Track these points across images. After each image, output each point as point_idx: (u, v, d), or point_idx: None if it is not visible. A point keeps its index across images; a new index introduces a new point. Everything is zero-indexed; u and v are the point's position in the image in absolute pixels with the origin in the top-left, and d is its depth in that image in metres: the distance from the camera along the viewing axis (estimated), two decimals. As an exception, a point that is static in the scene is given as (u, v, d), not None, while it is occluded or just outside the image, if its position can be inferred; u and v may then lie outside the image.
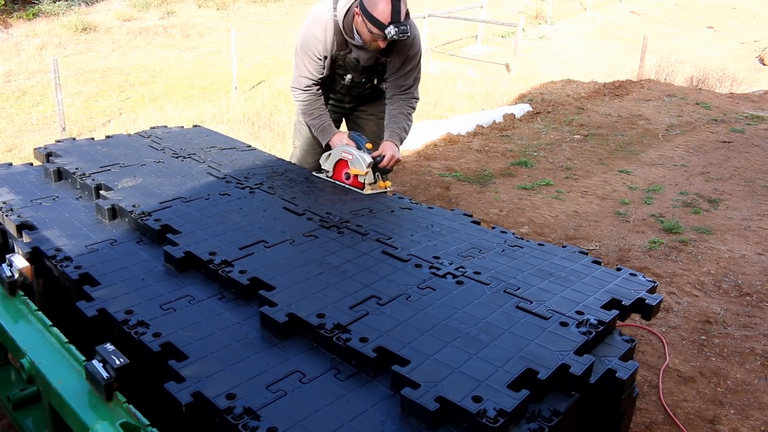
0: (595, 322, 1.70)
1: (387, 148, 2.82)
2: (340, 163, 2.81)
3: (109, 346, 1.50)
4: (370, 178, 2.71)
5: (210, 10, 16.59)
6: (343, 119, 3.41)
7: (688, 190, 5.42)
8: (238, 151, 3.21)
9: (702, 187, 5.54)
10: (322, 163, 2.87)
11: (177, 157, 3.02)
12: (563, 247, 2.27)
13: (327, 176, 2.86)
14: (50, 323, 1.78)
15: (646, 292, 1.94)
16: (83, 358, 1.60)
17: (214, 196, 2.54)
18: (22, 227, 2.26)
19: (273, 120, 8.48)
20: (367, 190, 2.71)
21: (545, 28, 17.84)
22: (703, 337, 3.19)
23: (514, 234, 2.37)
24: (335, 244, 2.16)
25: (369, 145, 2.78)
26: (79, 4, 15.38)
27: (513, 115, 8.12)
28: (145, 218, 2.26)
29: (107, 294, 1.83)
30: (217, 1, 16.93)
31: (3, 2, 14.19)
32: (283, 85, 10.58)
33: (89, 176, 2.67)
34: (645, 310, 1.90)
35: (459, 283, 1.91)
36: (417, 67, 2.97)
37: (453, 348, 1.57)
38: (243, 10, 17.15)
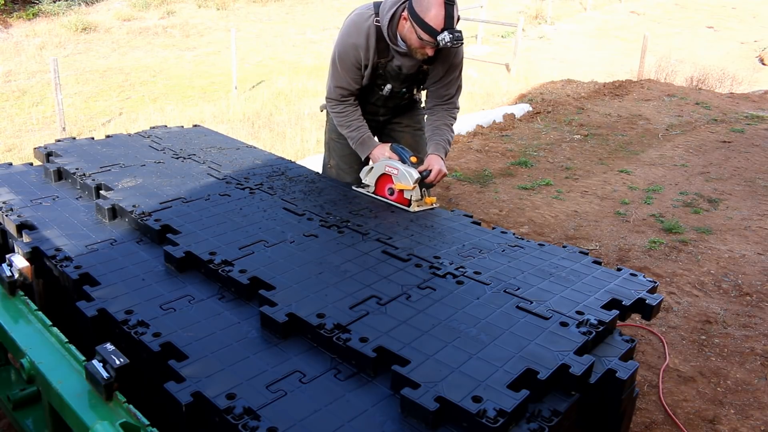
0: (596, 322, 1.70)
1: (433, 162, 2.62)
2: (384, 178, 2.63)
3: (109, 346, 1.50)
4: (417, 194, 2.53)
5: (210, 10, 16.59)
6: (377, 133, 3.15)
7: (688, 190, 5.42)
8: (238, 151, 3.21)
9: (702, 187, 5.55)
10: (362, 177, 2.70)
11: (177, 158, 3.02)
12: (563, 247, 2.27)
13: (368, 191, 2.68)
14: (50, 323, 1.78)
15: (647, 292, 1.94)
16: (83, 358, 1.60)
17: (214, 197, 2.54)
18: (22, 227, 2.26)
19: (273, 120, 8.48)
20: (414, 207, 2.52)
21: (545, 28, 17.85)
22: (703, 337, 3.19)
23: (514, 234, 2.37)
24: (335, 244, 2.16)
25: (414, 159, 2.60)
26: (79, 4, 15.39)
27: (513, 115, 8.12)
28: (145, 218, 2.26)
29: (107, 294, 1.83)
30: (217, 1, 16.93)
31: (3, 2, 14.19)
32: (282, 85, 10.59)
33: (89, 176, 2.67)
34: (645, 310, 1.90)
35: (459, 283, 1.91)
36: (460, 75, 2.81)
37: (453, 348, 1.57)
38: (243, 10, 17.15)
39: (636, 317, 3.14)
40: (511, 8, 19.02)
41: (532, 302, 1.81)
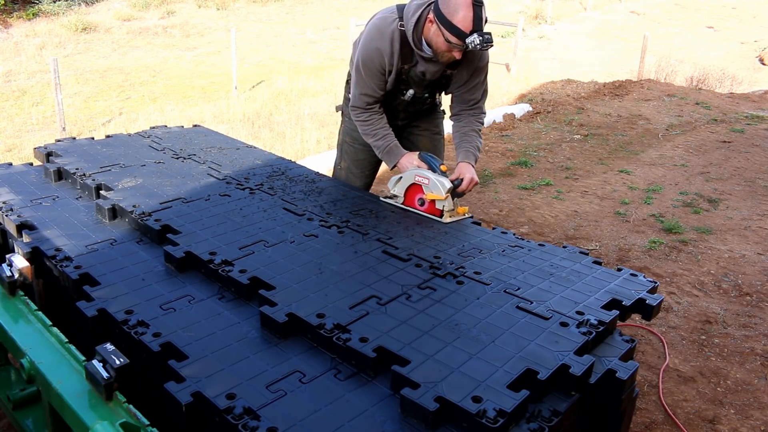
0: (596, 322, 1.70)
1: (465, 171, 2.53)
2: (413, 188, 2.54)
3: (109, 346, 1.50)
4: (449, 205, 2.44)
5: (210, 10, 16.60)
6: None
7: (688, 190, 5.42)
8: (238, 151, 3.21)
9: (702, 187, 5.55)
10: (390, 188, 2.61)
11: (177, 158, 3.02)
12: (563, 247, 2.27)
13: (397, 202, 2.59)
14: (50, 323, 1.78)
15: (647, 292, 1.94)
16: (83, 358, 1.60)
17: (214, 197, 2.54)
18: (22, 227, 2.26)
19: (273, 120, 8.48)
20: (446, 218, 2.43)
21: (545, 28, 17.86)
22: (703, 337, 3.19)
23: (514, 234, 2.37)
24: (335, 244, 2.16)
25: (444, 167, 2.51)
26: (79, 4, 15.39)
27: (513, 115, 8.12)
28: (145, 218, 2.26)
29: (107, 294, 1.83)
30: (217, 1, 16.94)
31: (3, 2, 14.20)
32: (282, 85, 10.59)
33: (89, 176, 2.67)
34: (645, 310, 1.90)
35: (459, 283, 1.92)
36: (486, 79, 2.72)
37: (453, 348, 1.57)
38: (243, 10, 17.16)
39: (636, 317, 3.14)
40: (511, 8, 19.03)
41: (532, 302, 1.81)
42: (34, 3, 14.66)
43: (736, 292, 3.65)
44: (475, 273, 1.98)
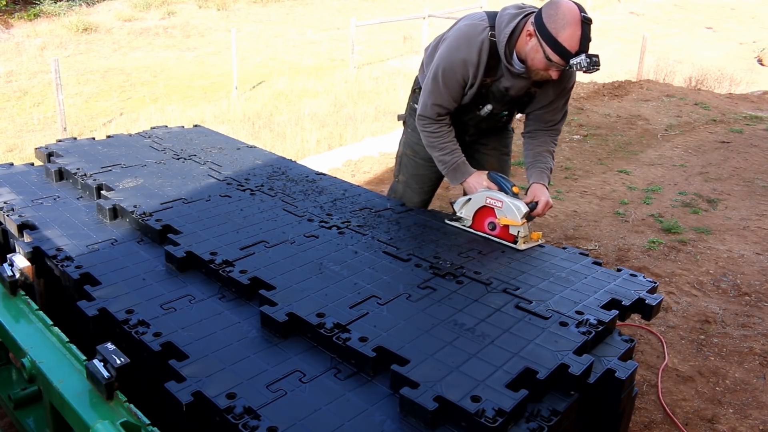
0: (595, 322, 1.71)
1: (539, 193, 2.35)
2: (484, 211, 2.34)
3: (110, 346, 1.51)
4: (525, 231, 2.24)
5: (210, 10, 16.61)
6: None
7: (687, 190, 5.43)
8: (239, 151, 3.21)
9: (701, 187, 5.55)
10: (457, 209, 2.41)
11: (178, 158, 3.02)
12: (563, 248, 2.28)
13: (464, 225, 2.39)
14: (51, 323, 1.79)
15: (646, 292, 1.95)
16: (84, 358, 1.60)
17: (215, 198, 2.55)
18: (24, 227, 2.26)
19: (273, 120, 8.49)
20: (521, 245, 2.24)
21: (545, 29, 17.83)
22: (702, 337, 3.19)
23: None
24: (335, 244, 2.17)
25: (515, 189, 2.31)
26: (80, 4, 15.40)
27: (513, 115, 8.11)
28: (146, 218, 2.27)
29: (108, 293, 1.84)
30: (218, 2, 16.96)
31: (4, 3, 14.21)
32: (283, 85, 10.59)
33: (90, 176, 2.67)
34: (645, 310, 1.91)
35: (459, 282, 1.92)
36: (568, 101, 2.54)
37: (452, 347, 1.58)
38: (243, 10, 17.17)
39: (635, 317, 3.15)
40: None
41: (531, 302, 1.82)
42: (35, 3, 14.68)
43: (735, 291, 3.65)
44: (475, 273, 1.99)
